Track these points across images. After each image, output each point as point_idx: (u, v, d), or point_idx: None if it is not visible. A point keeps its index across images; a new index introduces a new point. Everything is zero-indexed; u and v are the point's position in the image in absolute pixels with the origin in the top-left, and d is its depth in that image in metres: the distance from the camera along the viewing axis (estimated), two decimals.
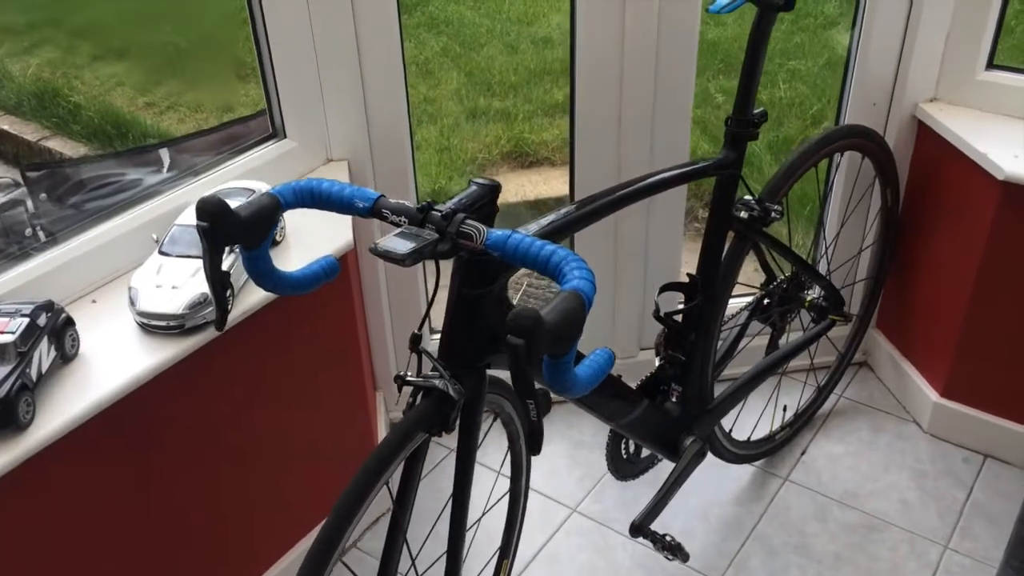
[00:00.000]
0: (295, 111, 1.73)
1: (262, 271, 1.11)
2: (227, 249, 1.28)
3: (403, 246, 1.00)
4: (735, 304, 1.83)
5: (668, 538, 1.61)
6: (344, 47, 1.70)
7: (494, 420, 1.45)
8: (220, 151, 1.73)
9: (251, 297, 1.42)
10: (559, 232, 1.28)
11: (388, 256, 1.00)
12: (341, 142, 1.79)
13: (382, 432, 2.02)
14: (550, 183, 3.19)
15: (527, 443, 1.48)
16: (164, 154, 1.80)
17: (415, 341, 1.16)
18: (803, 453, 2.08)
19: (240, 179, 1.63)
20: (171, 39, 2.97)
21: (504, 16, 4.20)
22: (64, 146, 3.05)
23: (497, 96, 3.68)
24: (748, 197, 1.60)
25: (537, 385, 0.94)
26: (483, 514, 1.54)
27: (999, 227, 1.79)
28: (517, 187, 3.18)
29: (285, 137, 1.75)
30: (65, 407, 1.24)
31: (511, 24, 4.13)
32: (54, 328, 1.27)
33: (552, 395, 1.25)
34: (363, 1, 1.67)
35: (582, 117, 1.88)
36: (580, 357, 0.99)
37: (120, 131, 3.25)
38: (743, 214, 1.59)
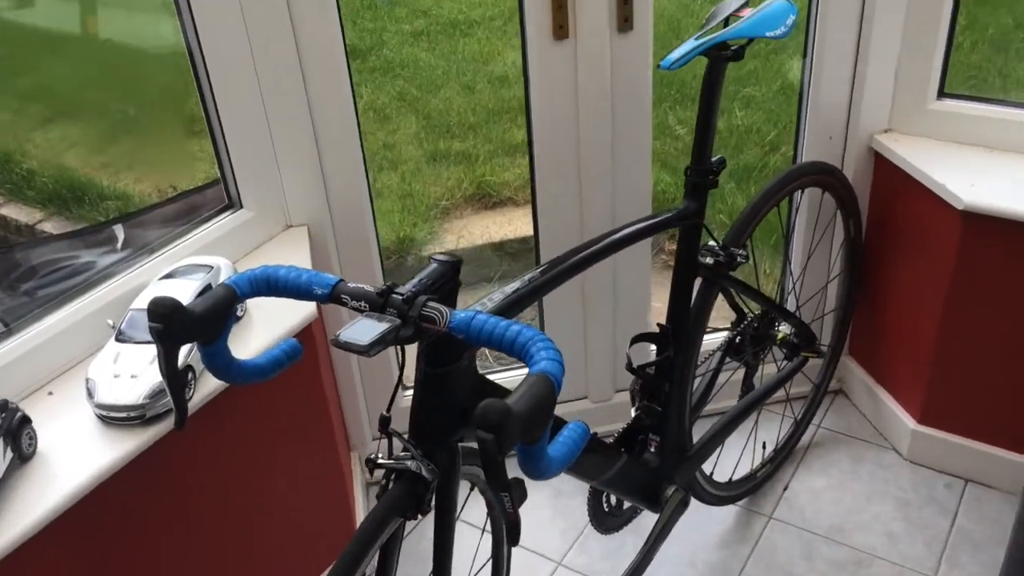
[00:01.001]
0: (250, 180, 1.70)
1: (220, 365, 1.08)
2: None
3: (365, 335, 0.98)
4: (708, 344, 1.82)
5: None
6: (296, 112, 1.68)
7: (472, 489, 1.42)
8: (176, 224, 1.70)
9: (211, 380, 1.39)
10: (525, 300, 1.26)
11: (350, 348, 0.97)
12: (299, 207, 1.77)
13: (359, 494, 1.98)
14: (514, 223, 3.18)
15: (507, 535, 1.45)
16: (118, 230, 1.76)
17: (384, 423, 1.13)
18: (785, 489, 2.06)
19: (198, 254, 1.60)
20: (120, 105, 2.93)
21: (459, 56, 4.20)
22: (19, 212, 2.99)
23: (457, 138, 3.67)
24: (712, 243, 1.60)
25: (511, 473, 0.91)
26: None
27: (963, 254, 1.79)
28: (482, 229, 3.16)
29: (242, 207, 1.72)
30: (25, 511, 1.20)
31: (467, 64, 4.14)
32: (9, 429, 1.23)
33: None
34: (313, 65, 1.66)
35: (541, 159, 1.87)
36: (556, 425, 0.97)
37: (76, 194, 3.19)
38: (709, 260, 1.59)
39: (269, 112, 1.65)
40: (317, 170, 1.75)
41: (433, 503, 1.17)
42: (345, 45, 1.69)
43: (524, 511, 1.98)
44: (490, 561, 1.55)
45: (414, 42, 4.40)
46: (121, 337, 1.39)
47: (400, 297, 1.02)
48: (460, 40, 4.36)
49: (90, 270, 1.55)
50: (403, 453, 1.14)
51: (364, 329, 0.99)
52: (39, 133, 3.43)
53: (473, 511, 1.49)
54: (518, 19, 1.74)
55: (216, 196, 1.75)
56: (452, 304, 1.10)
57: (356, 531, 1.11)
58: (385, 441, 1.13)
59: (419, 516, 1.14)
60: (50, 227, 3.07)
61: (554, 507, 2.07)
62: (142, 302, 1.43)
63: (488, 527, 1.53)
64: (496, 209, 3.29)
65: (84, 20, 2.61)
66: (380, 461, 1.14)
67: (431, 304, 1.01)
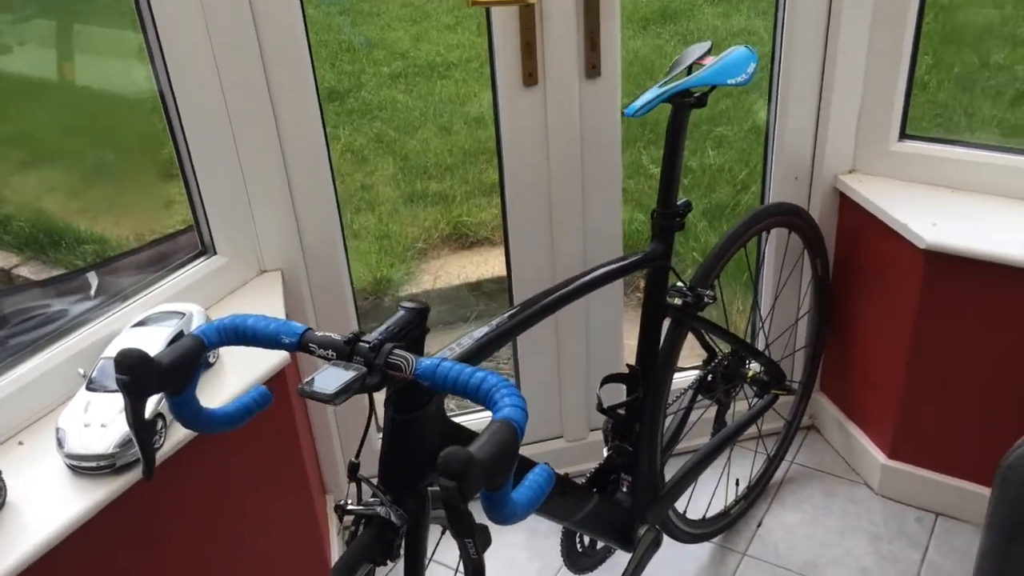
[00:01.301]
0: (224, 226, 1.72)
1: (188, 414, 1.09)
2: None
3: (331, 384, 0.99)
4: (679, 382, 1.84)
5: None
6: (269, 157, 1.70)
7: (443, 533, 1.43)
8: (150, 270, 1.71)
9: (182, 428, 1.39)
10: (493, 345, 1.28)
11: (316, 397, 0.98)
12: (273, 252, 1.78)
13: (335, 540, 1.97)
14: (491, 263, 3.20)
15: None
16: (92, 277, 1.77)
17: (353, 470, 1.14)
18: (759, 525, 2.08)
19: (171, 301, 1.61)
20: (97, 150, 2.95)
21: (437, 98, 4.25)
22: None
23: (434, 179, 3.71)
24: (680, 284, 1.62)
25: (478, 518, 0.93)
26: None
27: (926, 292, 1.83)
28: (459, 269, 3.19)
29: (215, 253, 1.74)
30: None
31: (444, 105, 4.19)
32: None
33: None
34: (285, 110, 1.68)
35: (513, 202, 1.90)
36: (524, 465, 0.98)
37: (52, 239, 3.20)
38: (677, 301, 1.61)
39: (242, 157, 1.67)
40: (291, 215, 1.77)
41: (403, 549, 1.18)
42: (318, 89, 1.71)
43: (500, 551, 2.00)
44: None
45: (392, 84, 4.46)
46: (92, 386, 1.39)
47: (367, 345, 1.03)
48: (437, 82, 4.42)
49: (63, 318, 1.56)
50: (372, 499, 1.15)
51: (331, 377, 1.00)
52: (17, 178, 3.44)
53: (447, 552, 1.50)
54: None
55: (190, 242, 1.76)
56: (419, 351, 1.12)
57: None
58: (356, 487, 1.14)
59: (388, 562, 1.15)
60: (26, 271, 3.07)
61: (530, 548, 2.07)
62: (113, 350, 1.44)
63: (460, 568, 1.54)
64: (473, 249, 3.32)
65: (61, 67, 2.63)
66: (349, 507, 1.15)
67: (397, 352, 1.03)
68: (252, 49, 1.60)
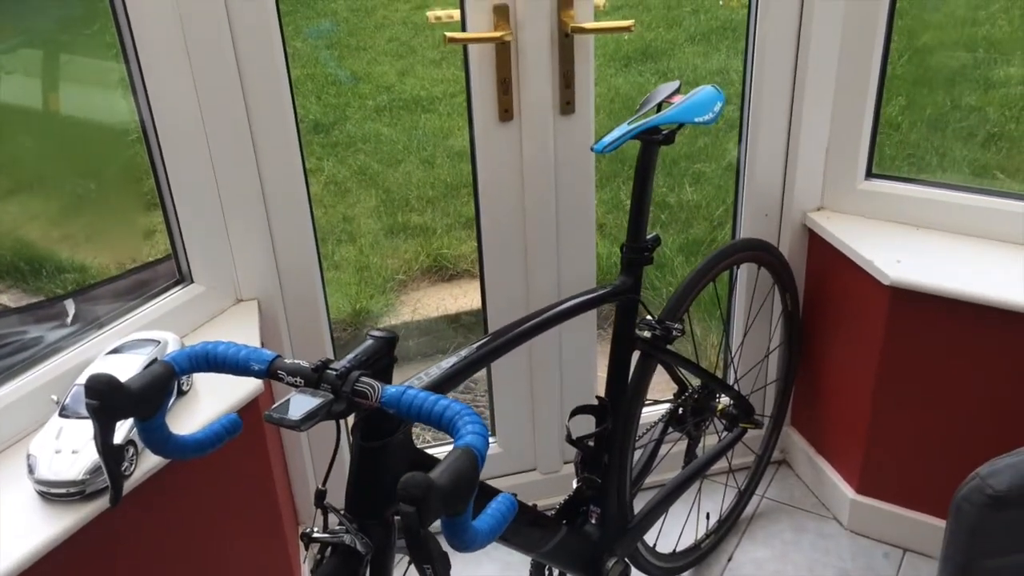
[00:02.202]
0: (201, 256, 1.74)
1: (158, 440, 1.10)
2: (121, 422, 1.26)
3: (297, 411, 1.01)
4: (649, 416, 1.86)
5: None
6: (247, 188, 1.73)
7: (410, 564, 1.44)
8: (128, 298, 1.72)
9: (152, 456, 1.40)
10: (461, 375, 1.30)
11: (283, 423, 1.00)
12: (250, 282, 1.81)
13: (306, 571, 1.97)
14: (469, 295, 3.23)
15: None
16: (69, 305, 1.79)
17: (320, 497, 1.15)
18: (729, 560, 2.09)
19: (147, 328, 1.63)
20: (80, 180, 2.97)
21: (420, 131, 4.30)
22: None
23: (415, 211, 3.75)
24: (649, 317, 1.65)
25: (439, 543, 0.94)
26: None
27: (891, 328, 1.87)
28: (438, 302, 3.21)
29: (192, 282, 1.76)
30: None
31: (427, 139, 4.24)
32: None
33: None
34: (265, 142, 1.71)
35: (488, 234, 1.93)
36: (490, 494, 1.00)
37: (33, 267, 3.20)
38: (646, 334, 1.64)
39: (221, 188, 1.70)
40: (268, 246, 1.80)
41: None
42: (297, 124, 1.75)
43: None
44: None
45: (376, 117, 4.51)
46: (64, 412, 1.40)
47: (334, 373, 1.05)
48: (421, 115, 4.48)
49: (38, 345, 1.57)
50: (339, 527, 1.16)
51: (297, 404, 1.02)
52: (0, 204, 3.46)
53: None
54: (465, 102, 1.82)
55: (168, 271, 1.78)
56: (388, 379, 1.14)
57: None
58: (322, 515, 1.16)
59: None
60: (6, 299, 3.07)
61: None
62: (86, 378, 1.45)
63: None
64: (452, 281, 3.35)
65: (46, 96, 2.66)
66: (315, 535, 1.16)
67: (364, 379, 1.05)
68: (234, 80, 1.64)
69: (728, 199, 3.54)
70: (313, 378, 1.06)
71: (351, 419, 1.14)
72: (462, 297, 3.23)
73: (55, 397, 1.44)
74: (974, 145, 3.43)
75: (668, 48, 4.94)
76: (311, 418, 1.01)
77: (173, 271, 1.77)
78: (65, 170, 3.16)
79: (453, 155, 4.12)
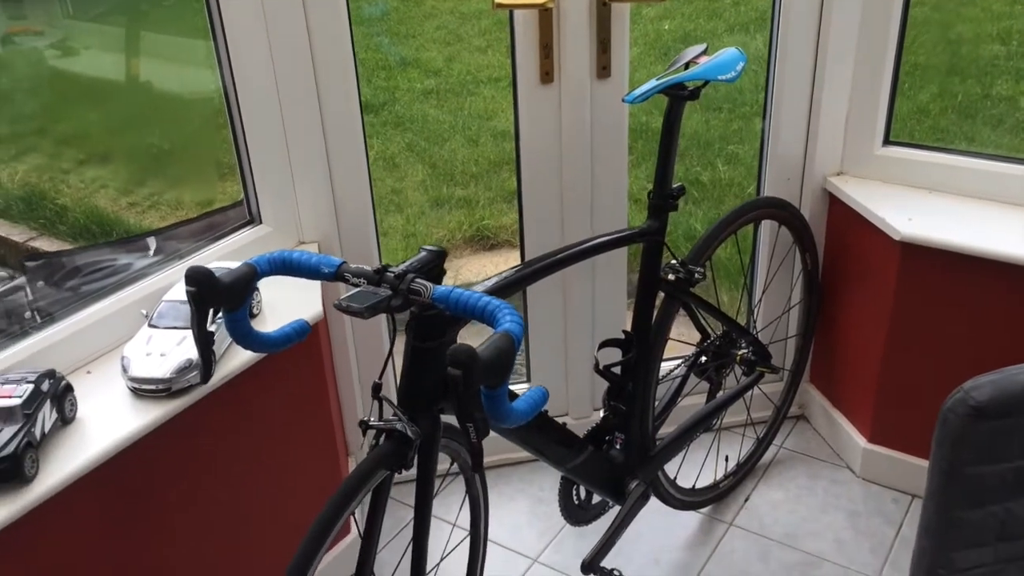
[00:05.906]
0: (270, 200, 1.93)
1: (241, 332, 1.28)
2: (211, 314, 1.45)
3: (362, 302, 1.19)
4: (675, 361, 2.01)
5: (616, 572, 1.75)
6: (313, 145, 1.91)
7: (451, 465, 1.61)
8: (201, 238, 1.92)
9: (230, 363, 1.59)
10: (504, 290, 1.47)
11: (350, 310, 1.18)
12: (312, 227, 1.99)
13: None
14: (509, 263, 3.39)
15: (471, 462, 1.64)
16: (151, 241, 1.99)
17: (376, 389, 1.33)
18: (746, 500, 2.24)
19: (220, 260, 1.82)
20: (154, 142, 3.18)
21: (466, 112, 4.48)
22: (51, 245, 3.22)
23: (459, 185, 3.92)
24: (674, 261, 1.81)
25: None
26: (442, 559, 1.67)
27: (902, 282, 2.00)
28: (480, 268, 3.39)
29: (261, 223, 1.95)
30: (65, 464, 1.39)
31: (472, 119, 4.42)
32: (55, 393, 1.42)
33: (500, 432, 1.41)
34: (330, 105, 1.89)
35: (529, 203, 2.10)
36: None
37: (104, 230, 3.44)
38: (670, 276, 1.80)
39: (291, 145, 1.88)
40: (328, 194, 1.98)
41: (416, 462, 1.36)
42: (359, 90, 1.93)
43: (505, 517, 2.18)
44: (468, 539, 1.73)
45: (424, 99, 4.71)
46: (153, 324, 1.60)
47: (393, 274, 1.23)
48: (467, 98, 4.66)
49: (127, 271, 1.77)
50: (392, 417, 1.34)
51: (362, 297, 1.20)
52: (73, 175, 3.70)
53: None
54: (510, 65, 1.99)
55: (237, 216, 1.98)
56: (438, 283, 1.31)
57: (345, 479, 1.30)
58: (377, 406, 1.33)
59: (403, 470, 1.33)
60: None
61: (533, 512, 2.24)
62: (171, 295, 1.65)
63: (463, 520, 1.71)
64: (493, 250, 3.53)
65: (128, 62, 2.87)
66: (371, 423, 1.34)
67: (418, 280, 1.22)
68: (306, 61, 1.83)
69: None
70: (375, 279, 1.23)
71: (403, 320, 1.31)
72: (503, 264, 3.40)
73: (144, 311, 1.64)
74: (1003, 130, 3.52)
75: (707, 38, 5.07)
76: (373, 308, 1.18)
77: (244, 214, 1.96)
78: (137, 139, 3.39)
79: (496, 135, 4.29)
